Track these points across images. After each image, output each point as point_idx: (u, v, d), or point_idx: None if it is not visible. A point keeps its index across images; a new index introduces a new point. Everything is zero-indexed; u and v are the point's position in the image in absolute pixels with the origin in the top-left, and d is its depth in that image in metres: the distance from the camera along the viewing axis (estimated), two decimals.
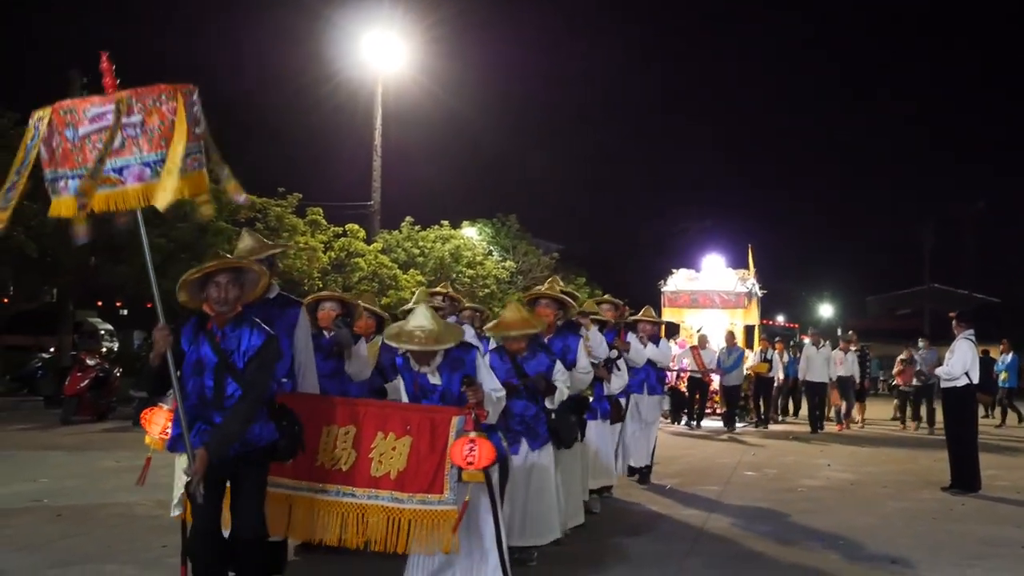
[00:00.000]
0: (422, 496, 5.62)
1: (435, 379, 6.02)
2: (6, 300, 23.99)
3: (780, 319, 45.08)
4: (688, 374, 19.99)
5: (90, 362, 18.15)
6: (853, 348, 21.13)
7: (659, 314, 20.48)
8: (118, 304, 40.76)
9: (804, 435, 18.64)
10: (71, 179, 4.94)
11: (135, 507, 9.11)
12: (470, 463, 5.51)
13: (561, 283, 9.10)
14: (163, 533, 7.82)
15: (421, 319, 5.92)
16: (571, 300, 8.51)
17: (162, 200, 4.85)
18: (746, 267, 24.26)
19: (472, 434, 5.56)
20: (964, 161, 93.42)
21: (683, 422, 20.36)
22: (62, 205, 4.99)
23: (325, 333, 7.13)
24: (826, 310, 66.30)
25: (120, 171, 4.87)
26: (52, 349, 24.99)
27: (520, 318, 7.13)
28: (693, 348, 19.98)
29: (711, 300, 22.93)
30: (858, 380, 21.13)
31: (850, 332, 22.59)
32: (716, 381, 20.52)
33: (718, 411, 21.03)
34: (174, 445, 5.25)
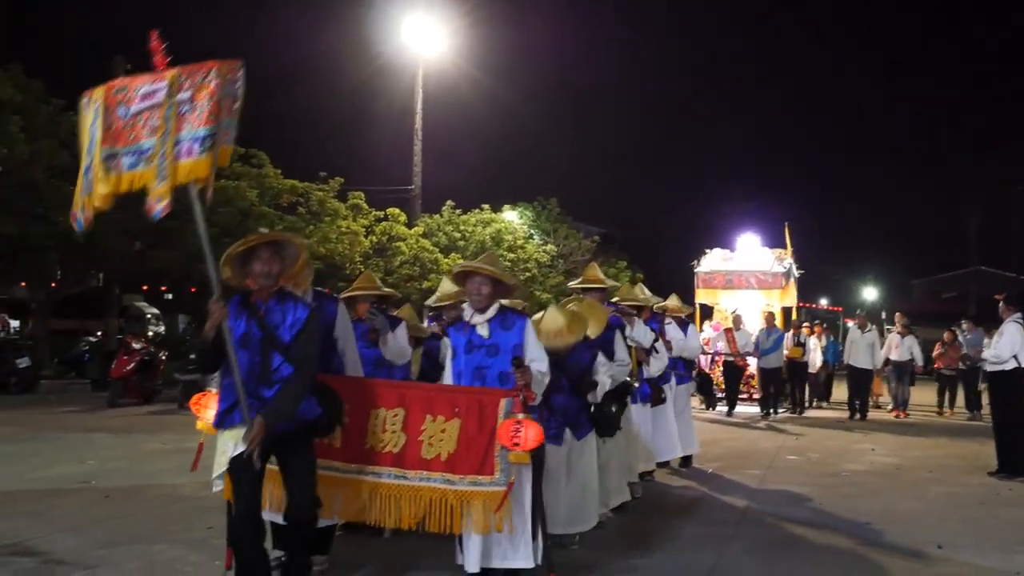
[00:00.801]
0: (473, 477, 5.71)
1: (484, 331, 6.08)
2: (53, 285, 24.32)
3: (824, 302, 44.73)
4: (723, 358, 19.34)
5: (136, 346, 18.38)
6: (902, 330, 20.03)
7: (692, 296, 20.33)
8: (163, 288, 41.15)
9: (847, 422, 18.17)
10: (124, 156, 4.97)
11: (181, 488, 9.22)
12: (516, 444, 5.57)
13: (598, 269, 9.04)
14: (209, 514, 7.91)
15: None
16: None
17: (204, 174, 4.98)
18: (783, 246, 23.23)
19: (520, 416, 5.63)
20: (1014, 139, 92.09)
21: (714, 408, 19.38)
22: (122, 181, 4.98)
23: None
24: (870, 293, 65.66)
25: (176, 145, 4.92)
26: (99, 333, 25.34)
27: (557, 329, 6.91)
28: (727, 330, 19.31)
29: (747, 281, 21.83)
30: (920, 364, 20.52)
31: (897, 315, 21.68)
32: (752, 364, 19.77)
33: (753, 396, 20.18)
34: (221, 421, 5.25)
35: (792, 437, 15.29)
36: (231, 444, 5.13)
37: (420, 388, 6.21)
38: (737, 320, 19.73)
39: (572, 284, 8.33)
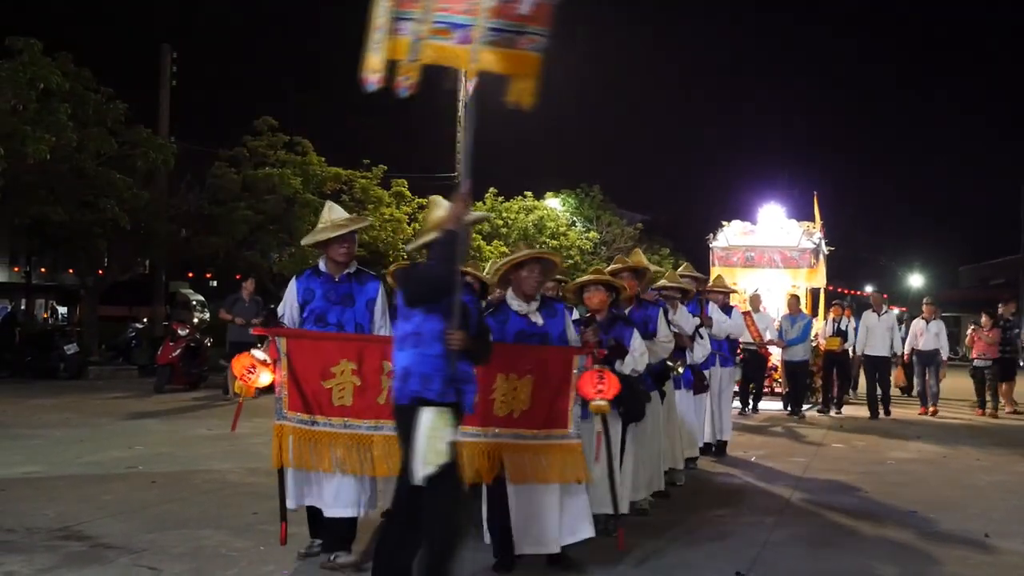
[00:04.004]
0: (547, 432, 5.95)
1: (538, 319, 6.19)
2: (101, 272, 24.59)
3: (868, 289, 44.27)
4: (742, 347, 14.64)
5: (182, 332, 18.56)
6: (933, 316, 17.34)
7: (707, 274, 15.94)
8: (208, 275, 41.55)
9: (869, 421, 15.79)
10: (406, 20, 4.97)
11: (227, 474, 9.30)
12: (600, 391, 5.87)
13: (642, 255, 8.98)
14: (255, 500, 7.98)
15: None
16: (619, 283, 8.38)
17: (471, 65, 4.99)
18: (811, 219, 20.08)
19: (596, 367, 5.96)
20: None
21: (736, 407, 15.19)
22: (397, 46, 4.99)
23: None
24: (916, 280, 64.90)
25: (452, 26, 4.97)
26: (145, 320, 25.58)
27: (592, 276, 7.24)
28: (746, 314, 15.31)
29: (770, 258, 18.80)
30: (945, 354, 17.30)
31: (925, 299, 18.94)
32: (776, 354, 17.13)
33: (776, 390, 17.64)
34: (443, 392, 4.87)
35: (837, 423, 15.18)
36: (450, 430, 4.82)
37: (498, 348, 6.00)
38: (755, 301, 16.94)
39: (609, 269, 8.21)
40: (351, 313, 6.28)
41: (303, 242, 6.80)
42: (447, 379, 4.86)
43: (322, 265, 6.36)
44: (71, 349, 20.54)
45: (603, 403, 5.92)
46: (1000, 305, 18.57)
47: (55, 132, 17.30)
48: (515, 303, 6.21)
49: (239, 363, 6.09)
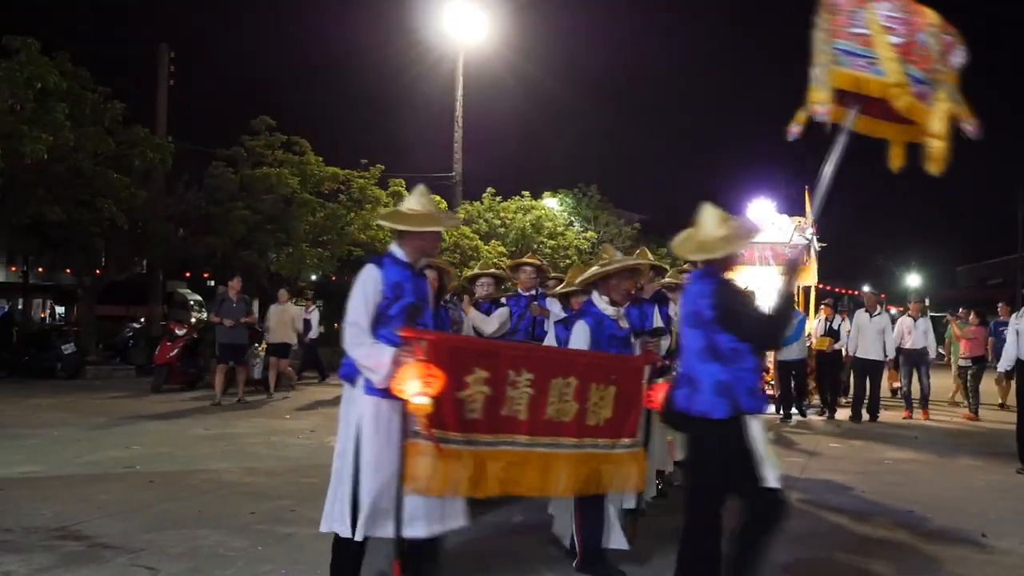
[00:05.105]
0: (624, 440, 5.98)
1: (625, 323, 6.30)
2: (98, 271, 24.58)
3: (866, 288, 44.31)
4: None
5: (179, 332, 18.56)
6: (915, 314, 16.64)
7: None
8: (206, 275, 41.53)
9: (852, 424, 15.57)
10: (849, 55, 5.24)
11: (225, 474, 9.31)
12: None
13: (650, 254, 9.05)
14: (253, 500, 7.99)
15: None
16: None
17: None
18: (803, 215, 19.09)
19: (660, 380, 6.04)
20: None
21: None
22: (840, 77, 5.25)
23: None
24: (914, 280, 64.94)
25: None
26: (143, 319, 25.57)
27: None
28: None
29: (761, 255, 17.91)
30: (932, 353, 16.80)
31: (912, 298, 18.22)
32: (769, 355, 15.58)
33: (768, 392, 16.04)
34: (760, 404, 5.18)
35: (834, 423, 15.18)
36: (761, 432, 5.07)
37: (583, 355, 6.01)
38: (749, 299, 15.91)
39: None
40: (429, 311, 5.63)
41: (406, 226, 5.42)
42: (758, 391, 5.19)
43: (401, 254, 5.38)
44: (69, 349, 20.52)
45: None
46: (1000, 305, 18.61)
47: (52, 131, 17.30)
48: (610, 310, 6.22)
49: (413, 372, 4.85)
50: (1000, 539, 7.33)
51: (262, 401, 16.43)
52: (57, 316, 41.12)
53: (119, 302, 29.28)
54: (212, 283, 42.12)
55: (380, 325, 5.11)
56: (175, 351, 18.21)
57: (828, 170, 5.35)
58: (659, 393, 5.91)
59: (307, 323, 19.56)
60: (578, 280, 6.66)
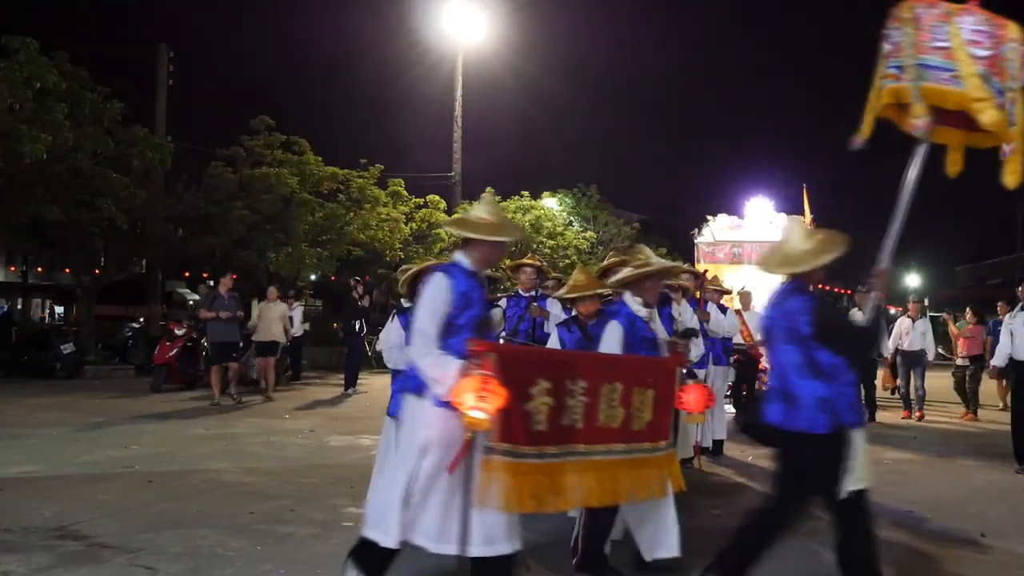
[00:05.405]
0: (660, 444, 5.90)
1: (655, 326, 6.28)
2: (97, 271, 24.57)
3: (859, 288, 44.40)
4: (736, 348, 13.42)
5: (178, 332, 18.55)
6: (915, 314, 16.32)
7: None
8: (205, 275, 41.54)
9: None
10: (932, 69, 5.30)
11: (224, 474, 9.30)
12: (708, 406, 6.23)
13: (647, 250, 9.03)
14: (252, 500, 7.99)
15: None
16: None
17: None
18: (800, 212, 18.96)
19: (690, 381, 6.14)
20: None
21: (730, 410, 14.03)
22: (933, 92, 5.30)
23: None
24: (913, 280, 64.83)
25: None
26: (142, 319, 25.56)
27: (589, 279, 7.28)
28: (737, 312, 13.75)
29: (759, 254, 16.10)
30: (931, 355, 16.50)
31: (911, 297, 17.55)
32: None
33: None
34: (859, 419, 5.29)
35: None
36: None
37: (625, 360, 5.98)
38: (746, 299, 15.35)
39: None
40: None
41: (476, 235, 5.20)
42: (859, 405, 5.32)
43: (467, 263, 5.18)
44: (68, 349, 20.52)
45: (700, 416, 6.33)
46: (1000, 304, 17.80)
47: (51, 131, 17.29)
48: (642, 311, 6.20)
49: (472, 386, 4.64)
50: (999, 539, 7.32)
51: (262, 401, 16.38)
52: (56, 316, 41.10)
53: (118, 302, 29.29)
54: (212, 283, 42.18)
55: (448, 335, 4.95)
56: (174, 351, 18.20)
57: (910, 181, 5.38)
58: (691, 395, 6.09)
59: (290, 320, 19.21)
60: (613, 280, 6.56)
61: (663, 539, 6.18)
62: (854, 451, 5.10)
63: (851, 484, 5.10)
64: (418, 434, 4.95)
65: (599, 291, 7.14)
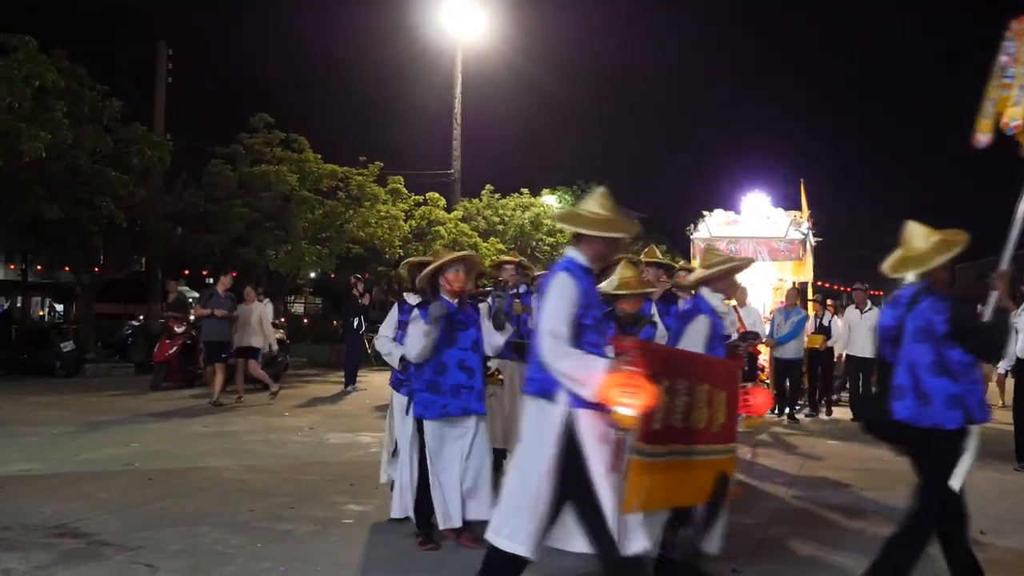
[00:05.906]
0: (730, 446, 5.94)
1: (728, 323, 6.37)
2: (97, 269, 24.56)
3: (856, 285, 44.44)
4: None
5: (178, 330, 18.53)
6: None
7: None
8: (204, 273, 41.53)
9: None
10: None
11: (224, 471, 9.31)
12: (768, 409, 6.27)
13: (659, 252, 9.08)
14: (252, 497, 8.00)
15: None
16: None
17: None
18: (798, 208, 19.01)
19: (750, 384, 6.27)
20: None
21: None
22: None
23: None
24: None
25: None
26: (141, 317, 25.55)
27: (637, 277, 7.20)
28: (735, 308, 13.37)
29: (756, 250, 17.31)
30: None
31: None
32: (765, 352, 15.80)
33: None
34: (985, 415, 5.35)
35: (834, 421, 15.16)
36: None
37: (709, 361, 5.90)
38: (742, 295, 14.81)
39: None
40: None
41: (590, 230, 4.96)
42: (986, 402, 5.36)
43: (582, 260, 4.91)
44: (67, 347, 20.53)
45: (760, 419, 6.18)
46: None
47: (50, 129, 17.27)
48: (722, 308, 6.17)
49: (615, 382, 4.43)
50: (999, 537, 7.33)
51: (261, 399, 16.38)
52: (56, 314, 41.11)
53: (118, 300, 29.29)
54: (211, 281, 42.16)
55: (576, 336, 4.69)
56: (174, 349, 18.21)
57: None
58: (758, 398, 6.16)
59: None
60: (691, 278, 6.49)
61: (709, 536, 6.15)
62: (973, 447, 5.21)
63: (959, 481, 5.19)
64: (546, 439, 4.65)
65: (647, 291, 7.16)
